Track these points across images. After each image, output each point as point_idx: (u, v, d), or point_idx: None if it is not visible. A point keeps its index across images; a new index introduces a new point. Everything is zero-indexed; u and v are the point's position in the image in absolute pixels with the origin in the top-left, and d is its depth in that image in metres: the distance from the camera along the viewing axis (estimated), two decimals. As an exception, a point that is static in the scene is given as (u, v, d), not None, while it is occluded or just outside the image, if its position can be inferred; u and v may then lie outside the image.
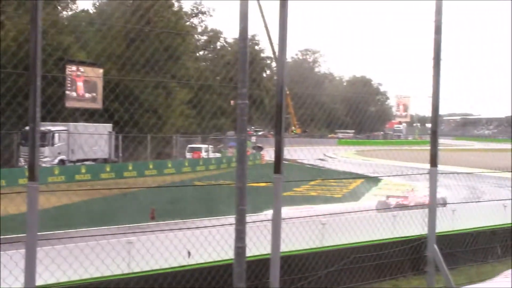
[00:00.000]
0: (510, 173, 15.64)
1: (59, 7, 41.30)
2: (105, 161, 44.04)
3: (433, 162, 10.27)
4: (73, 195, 19.96)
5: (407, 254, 12.64)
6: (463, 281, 12.26)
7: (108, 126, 40.68)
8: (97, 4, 47.30)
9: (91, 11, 50.43)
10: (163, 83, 28.59)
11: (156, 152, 41.92)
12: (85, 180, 37.68)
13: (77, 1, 51.27)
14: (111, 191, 26.60)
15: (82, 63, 36.99)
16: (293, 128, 31.37)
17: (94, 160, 43.25)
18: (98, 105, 39.80)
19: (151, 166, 43.32)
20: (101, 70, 38.33)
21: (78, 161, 42.38)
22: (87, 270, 9.82)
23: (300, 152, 11.46)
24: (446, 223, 14.39)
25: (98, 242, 10.77)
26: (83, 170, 39.39)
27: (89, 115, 35.59)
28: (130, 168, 41.97)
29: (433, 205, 10.30)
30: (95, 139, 38.86)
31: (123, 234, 11.78)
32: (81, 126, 41.43)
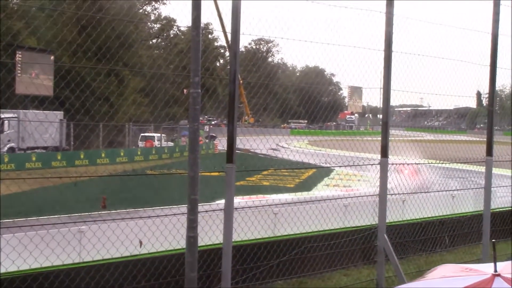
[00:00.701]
0: (459, 164, 15.92)
1: (8, -8, 40.49)
2: (56, 149, 43.48)
3: (384, 152, 10.39)
4: (23, 184, 19.64)
5: (358, 243, 12.78)
6: (412, 270, 12.47)
7: (59, 114, 40.12)
8: (48, -11, 46.48)
9: (41, -3, 49.56)
10: (115, 70, 28.30)
11: (108, 141, 41.51)
12: (36, 168, 37.20)
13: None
14: (62, 180, 26.27)
15: (32, 49, 36.32)
16: (246, 117, 31.35)
17: (45, 148, 42.65)
18: (49, 92, 39.21)
19: (103, 155, 42.96)
20: (52, 57, 37.78)
21: (28, 149, 41.75)
22: (37, 260, 9.70)
23: (253, 142, 11.47)
24: (396, 213, 14.60)
25: (48, 231, 10.65)
26: (34, 158, 38.85)
27: (40, 102, 35.02)
28: (82, 156, 41.54)
29: (383, 195, 10.43)
30: (46, 127, 38.28)
31: (74, 223, 11.66)
32: (31, 113, 40.78)
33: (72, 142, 42.94)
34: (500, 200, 19.84)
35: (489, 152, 12.31)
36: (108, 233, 11.11)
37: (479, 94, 17.63)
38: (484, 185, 12.46)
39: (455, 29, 12.21)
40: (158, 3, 73.79)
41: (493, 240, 4.59)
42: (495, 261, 4.32)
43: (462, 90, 12.96)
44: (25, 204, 22.60)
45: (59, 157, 40.53)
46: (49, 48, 35.82)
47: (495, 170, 13.21)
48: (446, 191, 18.64)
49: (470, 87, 13.27)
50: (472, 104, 16.64)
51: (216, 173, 10.43)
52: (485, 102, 15.46)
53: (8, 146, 40.73)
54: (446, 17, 11.81)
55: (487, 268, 4.38)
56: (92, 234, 11.09)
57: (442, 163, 14.86)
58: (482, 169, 12.79)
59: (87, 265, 9.71)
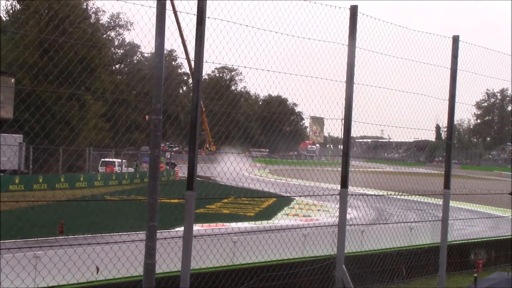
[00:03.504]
0: (417, 196, 16.10)
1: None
2: (14, 172, 42.83)
3: (344, 183, 10.46)
4: (-22, 207, 19.29)
5: (316, 273, 12.80)
6: (369, 301, 12.52)
7: (19, 137, 39.63)
8: (11, 11, 46.19)
9: (3, 18, 49.20)
10: (77, 95, 28.14)
11: (68, 165, 41.06)
12: (-8, 192, 36.53)
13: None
14: (19, 204, 25.86)
15: (-8, 71, 35.92)
16: (207, 145, 31.31)
17: (2, 171, 42.00)
18: (9, 115, 38.74)
19: (62, 179, 42.41)
20: (12, 80, 37.35)
21: (-15, 171, 41.06)
22: (-11, 284, 9.51)
23: (214, 170, 11.47)
24: (355, 244, 14.67)
25: (3, 256, 10.45)
26: (-10, 181, 38.18)
27: (-2, 125, 34.63)
28: (40, 180, 40.96)
29: (342, 226, 10.47)
30: (4, 150, 37.74)
31: (29, 248, 11.47)
32: (-10, 136, 40.21)
33: (31, 165, 42.40)
34: (457, 233, 20.09)
35: (447, 185, 12.47)
36: (64, 258, 10.95)
37: (438, 128, 17.91)
38: (441, 218, 12.60)
39: (416, 63, 12.41)
40: (122, 28, 73.77)
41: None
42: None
43: (422, 123, 13.14)
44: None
45: (17, 181, 39.93)
46: (10, 70, 35.47)
47: (452, 203, 13.38)
48: (404, 222, 18.81)
49: (429, 121, 13.46)
50: (431, 137, 16.84)
51: (176, 200, 10.37)
52: (443, 135, 15.72)
53: (-36, 168, 40.04)
54: (408, 51, 12.01)
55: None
56: (48, 260, 10.92)
57: (401, 195, 15.00)
58: (440, 201, 12.94)
59: (42, 291, 9.55)
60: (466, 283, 13.85)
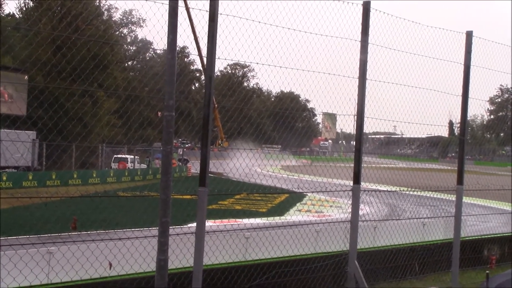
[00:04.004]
0: (430, 192, 16.06)
1: (-17, 11, 40.38)
2: (27, 169, 43.04)
3: (356, 179, 10.45)
4: (-8, 203, 19.42)
5: (328, 269, 12.79)
6: (382, 297, 12.50)
7: (32, 134, 39.80)
8: (24, 8, 46.39)
9: (17, 16, 49.44)
10: (90, 91, 28.23)
11: (81, 162, 41.24)
12: (6, 188, 36.73)
13: (2, 5, 50.16)
14: (33, 200, 25.99)
15: (6, 68, 36.04)
16: (220, 141, 31.34)
17: (16, 168, 42.20)
18: (22, 111, 38.91)
19: (75, 176, 42.61)
20: (26, 76, 37.50)
21: (-1, 168, 41.28)
22: (3, 280, 9.57)
23: (226, 166, 11.48)
24: (368, 240, 14.64)
25: (17, 252, 10.51)
26: (4, 178, 38.37)
27: (12, 122, 34.72)
28: (54, 177, 41.15)
29: (355, 221, 10.46)
30: (17, 147, 37.93)
31: (43, 244, 11.53)
32: (3, 132, 40.31)
33: (44, 162, 42.58)
34: (470, 229, 20.02)
35: (460, 180, 12.44)
36: (77, 254, 11.00)
37: (451, 124, 17.84)
38: (454, 214, 12.57)
39: (429, 59, 12.38)
40: (134, 25, 73.94)
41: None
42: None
43: (435, 119, 13.12)
44: (-7, 224, 22.31)
45: (30, 177, 40.11)
46: (23, 67, 35.60)
47: (465, 199, 13.34)
48: (417, 218, 18.75)
49: (442, 116, 13.43)
50: (444, 133, 16.78)
51: (189, 196, 10.41)
52: (457, 131, 15.65)
53: (-22, 165, 40.26)
54: (420, 47, 11.98)
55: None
56: (62, 255, 10.97)
57: (414, 190, 14.97)
58: (453, 197, 12.90)
59: (55, 286, 9.60)
60: (479, 279, 13.80)
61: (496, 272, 13.44)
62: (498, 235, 18.55)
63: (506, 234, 18.73)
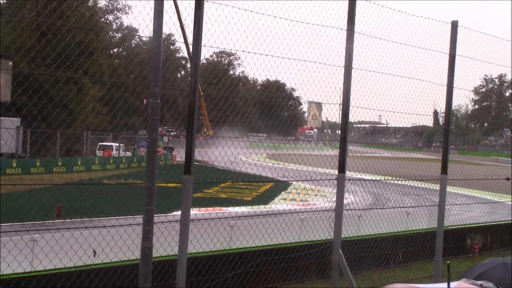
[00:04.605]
0: (414, 181, 16.14)
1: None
2: (11, 156, 42.79)
3: (341, 168, 10.47)
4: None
5: (313, 258, 12.84)
6: (365, 285, 12.58)
7: (16, 120, 39.57)
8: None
9: (1, 1, 49.02)
10: (75, 78, 28.11)
11: (66, 149, 41.04)
12: (-11, 175, 36.51)
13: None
14: (17, 187, 25.87)
15: (-10, 54, 35.75)
16: (205, 129, 31.31)
17: (0, 155, 41.97)
18: (6, 98, 38.65)
19: (59, 163, 42.41)
20: (10, 63, 37.23)
21: (-18, 155, 41.05)
22: (-13, 267, 9.54)
23: (211, 154, 11.46)
24: (352, 229, 14.70)
25: (0, 240, 10.47)
26: (-13, 165, 38.17)
27: (-4, 108, 34.51)
28: (38, 164, 40.93)
29: (339, 210, 10.49)
30: (1, 133, 37.71)
31: (27, 231, 11.48)
32: (-14, 119, 40.08)
33: (28, 149, 42.35)
34: (454, 218, 20.16)
35: (444, 170, 12.50)
36: (61, 242, 10.97)
37: (436, 113, 17.90)
38: (438, 203, 12.63)
39: (415, 48, 12.39)
40: (120, 12, 73.50)
41: (448, 262, 4.65)
42: (448, 282, 4.37)
43: (420, 109, 13.14)
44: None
45: (14, 164, 39.90)
46: (7, 53, 35.36)
47: (449, 188, 13.41)
48: (401, 207, 18.85)
49: (427, 106, 13.45)
50: (429, 122, 16.84)
51: (174, 184, 10.39)
52: (441, 121, 15.72)
53: (-39, 152, 40.01)
54: (406, 36, 11.99)
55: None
56: (45, 243, 10.93)
57: (398, 180, 15.03)
58: (437, 186, 12.97)
59: (39, 274, 9.57)
60: (462, 268, 13.90)
61: (478, 261, 13.55)
62: (481, 224, 18.70)
63: (489, 224, 18.89)
